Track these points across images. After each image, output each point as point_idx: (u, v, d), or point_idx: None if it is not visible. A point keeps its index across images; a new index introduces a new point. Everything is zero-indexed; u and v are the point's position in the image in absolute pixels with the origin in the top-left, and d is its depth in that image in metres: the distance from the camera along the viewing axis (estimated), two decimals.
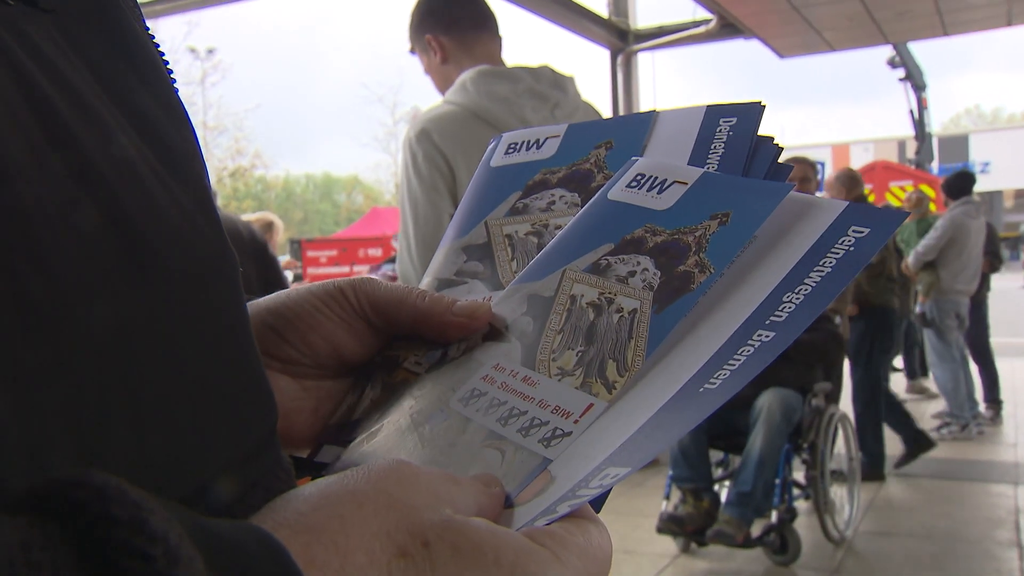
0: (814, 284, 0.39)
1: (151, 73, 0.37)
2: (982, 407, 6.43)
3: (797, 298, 0.39)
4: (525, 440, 0.40)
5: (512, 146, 0.58)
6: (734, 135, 0.50)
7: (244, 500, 0.33)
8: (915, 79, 13.79)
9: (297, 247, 14.86)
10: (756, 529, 3.69)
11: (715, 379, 0.38)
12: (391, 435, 0.44)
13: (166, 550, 0.22)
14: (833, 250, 0.40)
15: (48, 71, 0.30)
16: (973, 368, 6.40)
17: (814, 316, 0.38)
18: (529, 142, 0.57)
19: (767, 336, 0.38)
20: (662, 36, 8.66)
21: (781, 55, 8.77)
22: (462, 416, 0.43)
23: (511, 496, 0.37)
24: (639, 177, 0.49)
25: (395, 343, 0.49)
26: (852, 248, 0.40)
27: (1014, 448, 5.74)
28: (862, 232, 0.40)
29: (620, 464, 0.36)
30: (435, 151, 1.92)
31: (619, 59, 8.66)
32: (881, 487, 4.89)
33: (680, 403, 0.38)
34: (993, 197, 29.42)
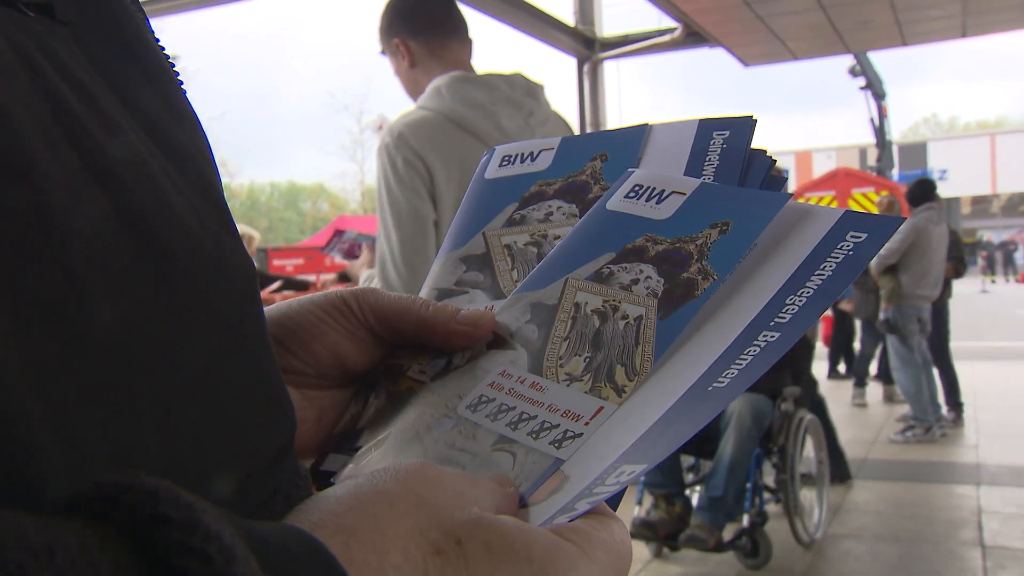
0: (816, 287, 0.41)
1: (162, 81, 0.37)
2: (944, 410, 6.54)
3: (800, 300, 0.40)
4: (536, 443, 0.41)
5: (506, 158, 0.59)
6: (728, 147, 0.51)
7: (266, 507, 0.33)
8: (875, 88, 14.02)
9: (263, 256, 14.75)
10: (728, 533, 3.72)
11: (723, 378, 0.39)
12: (399, 443, 0.44)
13: (222, 549, 0.22)
14: (833, 254, 0.41)
15: (68, 80, 0.30)
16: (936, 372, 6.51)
17: (817, 316, 0.40)
18: (523, 155, 0.58)
19: (772, 336, 0.39)
20: (628, 44, 8.72)
21: (745, 63, 8.88)
22: (471, 422, 0.43)
23: (525, 496, 0.38)
24: (637, 188, 0.50)
25: (398, 352, 0.50)
26: (851, 252, 0.41)
27: (975, 450, 5.85)
28: (860, 237, 0.42)
29: (635, 461, 0.37)
30: (414, 155, 1.91)
31: (585, 67, 8.71)
32: (848, 490, 4.95)
33: (690, 401, 0.39)
34: (951, 204, 29.98)
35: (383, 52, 2.18)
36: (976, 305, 18.68)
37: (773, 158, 0.50)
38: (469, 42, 2.13)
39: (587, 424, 0.41)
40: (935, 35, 8.39)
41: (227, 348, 0.33)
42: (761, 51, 8.49)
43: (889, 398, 7.73)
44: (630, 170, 0.52)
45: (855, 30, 7.87)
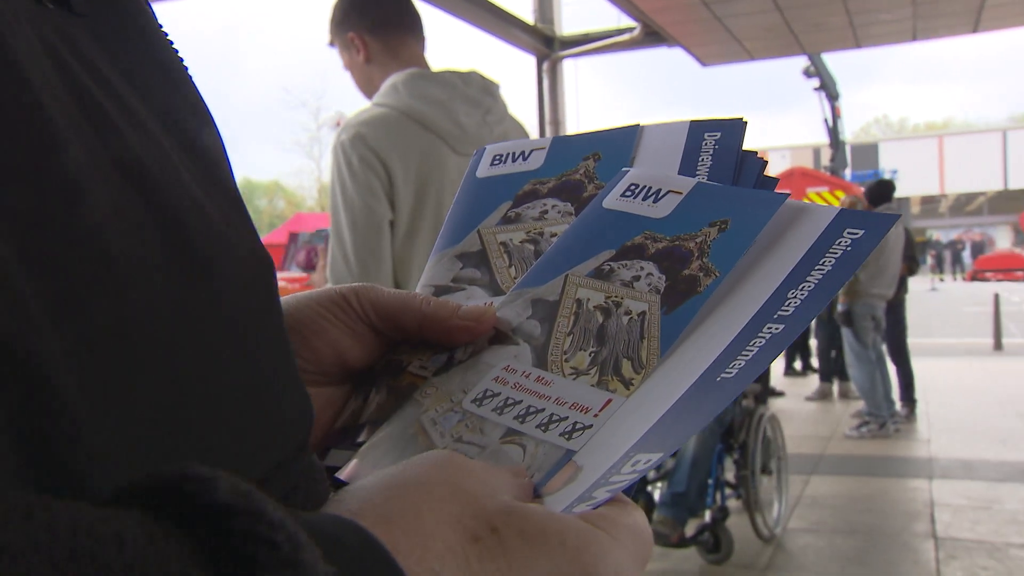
0: (816, 281, 0.42)
1: (176, 76, 0.37)
2: (898, 406, 6.67)
3: (801, 294, 0.41)
4: (546, 435, 0.41)
5: (497, 157, 0.59)
6: (720, 148, 0.52)
7: (287, 501, 0.33)
8: (829, 89, 14.23)
9: None
10: (690, 528, 3.76)
11: (731, 369, 0.40)
12: (403, 437, 0.44)
13: (288, 536, 0.22)
14: (831, 250, 0.42)
15: (92, 73, 0.30)
16: (891, 368, 6.64)
17: (820, 309, 0.41)
18: (514, 154, 0.59)
19: (777, 328, 0.41)
20: (587, 43, 8.76)
21: (703, 63, 8.96)
22: (477, 416, 0.44)
23: (538, 487, 0.39)
24: (633, 187, 0.51)
25: (397, 348, 0.50)
26: (849, 248, 0.42)
27: (928, 444, 5.97)
28: (857, 234, 0.43)
29: (649, 450, 0.38)
30: (371, 154, 1.89)
31: (545, 65, 8.73)
32: (807, 485, 5.03)
33: (700, 392, 0.40)
34: (901, 204, 30.63)
35: (332, 44, 2.14)
36: (926, 303, 19.10)
37: (765, 159, 0.51)
38: (424, 40, 2.12)
39: (596, 416, 0.41)
40: (887, 38, 8.55)
41: (252, 341, 0.33)
42: (718, 51, 8.58)
43: (844, 394, 7.87)
44: (625, 169, 0.53)
45: (810, 32, 7.99)
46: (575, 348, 0.45)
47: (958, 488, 4.88)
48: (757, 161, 0.51)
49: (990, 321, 11.35)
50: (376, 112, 1.94)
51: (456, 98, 1.98)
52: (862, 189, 8.75)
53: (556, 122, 8.81)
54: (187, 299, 0.29)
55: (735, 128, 0.52)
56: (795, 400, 7.91)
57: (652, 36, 8.08)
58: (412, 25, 2.08)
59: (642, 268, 0.47)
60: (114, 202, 0.28)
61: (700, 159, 0.52)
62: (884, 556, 3.93)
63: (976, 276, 31.97)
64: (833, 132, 14.68)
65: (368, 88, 2.07)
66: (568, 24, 9.01)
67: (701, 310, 0.44)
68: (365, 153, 1.88)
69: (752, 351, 0.40)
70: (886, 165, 34.06)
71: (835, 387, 7.98)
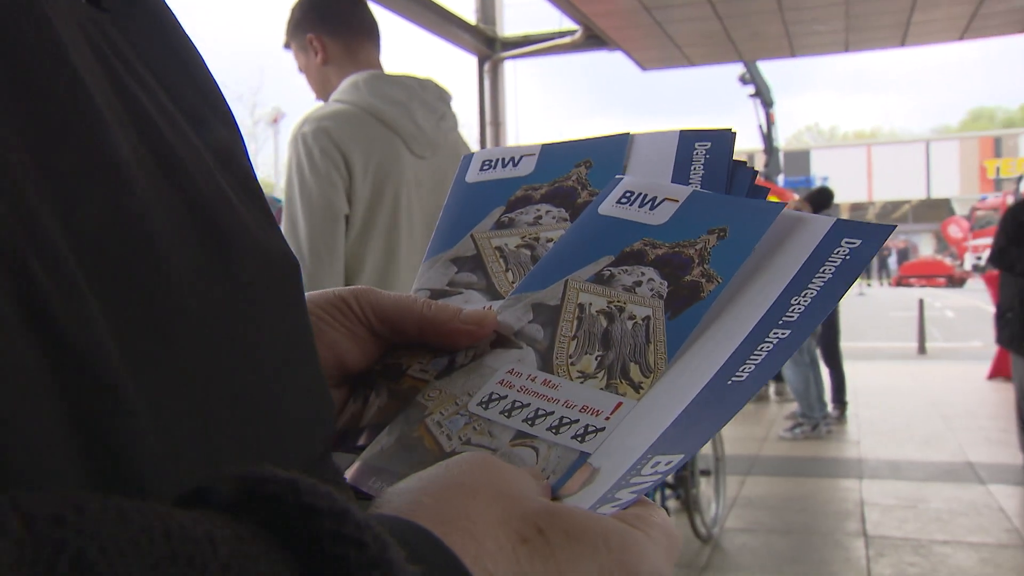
0: (818, 288, 0.42)
1: (196, 72, 0.36)
2: (830, 408, 6.83)
3: (804, 301, 0.42)
4: (557, 437, 0.41)
5: (487, 163, 0.59)
6: (711, 158, 0.53)
7: None
8: (764, 96, 14.52)
9: None
10: None
11: (741, 372, 0.40)
12: (410, 440, 0.44)
13: (374, 536, 0.22)
14: (831, 259, 0.43)
15: (130, 71, 0.30)
16: (823, 371, 6.79)
17: (825, 315, 0.42)
18: (504, 160, 0.59)
19: (784, 333, 0.41)
20: (529, 45, 8.77)
21: (643, 67, 9.06)
22: (484, 419, 0.44)
23: (555, 489, 0.39)
24: (628, 194, 0.51)
25: (395, 351, 0.49)
26: (848, 257, 0.43)
27: (857, 446, 6.13)
28: (854, 243, 0.43)
29: (668, 452, 0.38)
30: (333, 147, 1.90)
31: (486, 66, 8.72)
32: (743, 486, 5.11)
33: (712, 395, 0.40)
34: (832, 211, 31.43)
35: (287, 46, 2.15)
36: (854, 308, 19.63)
37: (755, 169, 0.52)
38: (380, 45, 2.16)
39: (608, 419, 0.42)
40: (821, 48, 8.77)
41: (284, 340, 0.33)
42: (658, 56, 8.68)
43: (780, 394, 8.03)
44: (618, 177, 0.53)
45: (748, 40, 8.15)
46: (580, 352, 0.45)
47: (886, 488, 5.01)
48: (748, 171, 0.52)
49: (915, 326, 11.71)
50: (338, 107, 1.96)
51: (415, 100, 2.02)
52: (796, 196, 8.95)
53: (497, 123, 8.81)
54: (223, 298, 0.29)
55: (725, 138, 0.53)
56: None
57: (593, 39, 8.14)
58: (370, 30, 2.12)
59: (643, 274, 0.47)
60: (157, 195, 0.27)
61: (692, 168, 0.53)
62: (817, 555, 4.01)
63: (901, 282, 32.98)
64: (767, 138, 14.98)
65: (324, 89, 2.09)
66: (510, 25, 9.01)
67: (705, 316, 0.44)
68: (327, 145, 1.90)
69: (761, 355, 0.40)
70: (817, 172, 34.94)
71: (771, 388, 8.14)
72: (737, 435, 5.61)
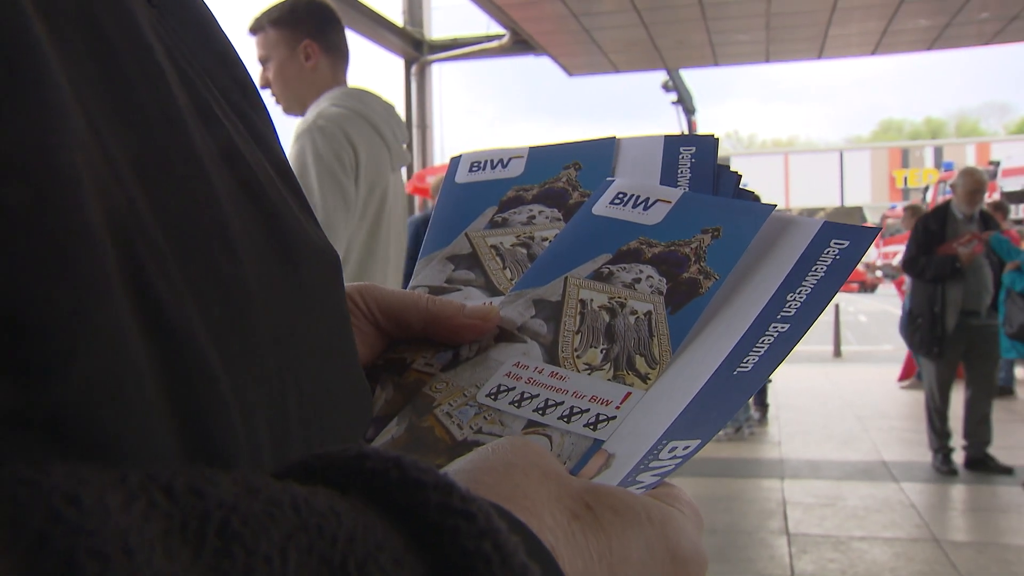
0: (812, 285, 0.44)
1: (235, 67, 0.37)
2: (752, 410, 6.99)
3: (800, 297, 0.44)
4: (570, 426, 0.42)
5: (475, 164, 0.60)
6: (697, 162, 0.54)
7: None
8: (686, 103, 14.80)
9: None
10: None
11: (746, 363, 0.42)
12: (420, 430, 0.44)
13: (479, 507, 0.23)
14: (822, 258, 0.45)
15: (191, 65, 0.31)
16: None
17: (821, 310, 0.43)
18: (493, 161, 0.60)
19: (783, 327, 0.43)
20: (456, 48, 8.77)
21: (569, 73, 9.15)
22: (494, 409, 0.44)
23: (572, 474, 0.38)
24: (621, 195, 0.53)
25: (398, 346, 0.50)
26: (838, 257, 0.45)
27: (779, 446, 6.28)
28: (843, 244, 0.45)
29: (684, 437, 0.39)
30: (346, 140, 2.05)
31: (413, 68, 8.68)
32: None
33: (719, 384, 0.41)
34: None
35: (256, 32, 2.20)
36: None
37: (739, 173, 0.53)
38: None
39: (618, 408, 0.43)
40: (742, 58, 8.99)
41: (336, 334, 0.34)
42: (585, 62, 8.78)
43: None
44: (610, 179, 0.55)
45: (672, 48, 8.30)
46: (585, 345, 0.46)
47: (807, 487, 5.15)
48: (732, 175, 0.53)
49: (831, 329, 12.08)
50: (341, 111, 2.11)
51: (392, 118, 2.23)
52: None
53: (423, 126, 8.77)
54: (285, 288, 0.30)
55: (708, 144, 0.55)
56: None
57: (521, 44, 8.18)
58: (348, 55, 2.31)
59: (641, 271, 0.49)
60: (228, 190, 0.28)
61: (679, 172, 0.54)
62: (743, 553, 4.09)
63: None
64: None
65: (305, 94, 2.20)
66: (437, 28, 8.99)
67: (705, 311, 0.46)
68: (341, 138, 2.05)
69: (763, 347, 0.42)
70: None
71: None
72: None
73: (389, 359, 0.49)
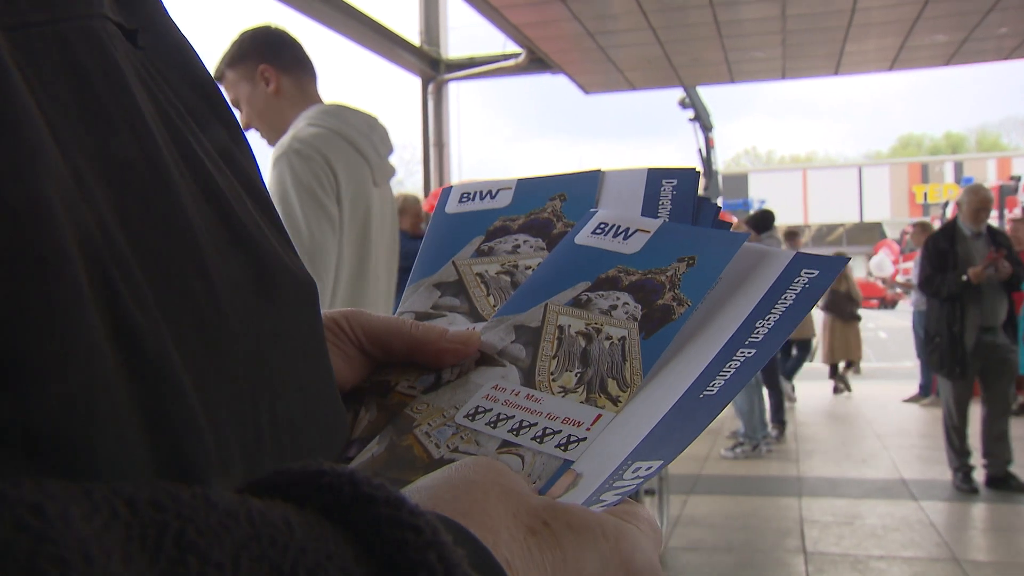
0: (781, 312, 0.46)
1: (216, 104, 0.38)
2: (770, 427, 6.95)
3: (768, 324, 0.46)
4: (541, 446, 0.44)
5: (465, 195, 0.63)
6: (678, 194, 0.57)
7: None
8: (703, 120, 14.79)
9: None
10: None
11: (712, 387, 0.43)
12: (400, 449, 0.46)
13: (427, 521, 0.24)
14: (792, 287, 0.47)
15: (171, 106, 0.33)
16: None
17: (786, 336, 0.45)
18: (482, 192, 0.63)
19: (749, 352, 0.44)
20: (473, 67, 8.82)
21: (586, 91, 9.18)
22: (471, 429, 0.46)
23: (541, 493, 0.41)
24: (603, 225, 0.55)
25: (384, 369, 0.52)
26: (808, 285, 0.47)
27: (796, 464, 6.24)
28: (812, 273, 0.47)
29: (648, 458, 0.41)
30: (323, 162, 2.02)
31: (430, 87, 8.74)
32: (685, 505, 5.16)
33: (686, 407, 0.43)
34: (772, 232, 32.04)
35: (220, 78, 2.21)
36: None
37: (719, 205, 0.56)
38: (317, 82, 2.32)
39: (589, 429, 0.44)
40: (759, 74, 8.99)
41: (310, 356, 0.36)
42: (601, 80, 8.81)
43: None
44: (592, 210, 0.57)
45: (688, 65, 8.31)
46: (561, 369, 0.48)
47: (825, 505, 5.11)
48: (711, 207, 0.55)
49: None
50: (318, 131, 2.09)
51: (374, 133, 2.20)
52: (735, 219, 9.12)
53: (440, 144, 8.83)
54: (259, 313, 0.32)
55: (689, 176, 0.57)
56: None
57: (537, 63, 8.22)
58: (313, 68, 2.27)
59: (618, 298, 0.51)
60: (205, 222, 0.30)
61: (660, 203, 0.56)
62: (759, 572, 4.06)
63: None
64: (706, 162, 15.24)
65: (277, 120, 2.18)
66: (454, 48, 9.04)
67: (677, 336, 0.48)
68: (319, 160, 2.03)
69: (729, 372, 0.44)
70: (755, 195, 35.64)
71: None
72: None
73: (375, 381, 0.51)
